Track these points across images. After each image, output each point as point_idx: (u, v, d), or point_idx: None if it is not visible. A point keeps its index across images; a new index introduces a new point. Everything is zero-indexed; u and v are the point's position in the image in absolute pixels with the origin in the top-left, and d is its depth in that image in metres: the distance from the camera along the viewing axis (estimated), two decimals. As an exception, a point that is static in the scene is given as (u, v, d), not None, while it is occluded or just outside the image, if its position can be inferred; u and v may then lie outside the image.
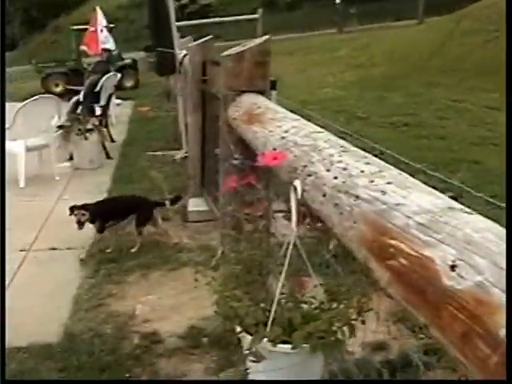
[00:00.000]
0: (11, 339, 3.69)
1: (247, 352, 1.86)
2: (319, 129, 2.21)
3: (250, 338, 1.93)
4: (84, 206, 5.05)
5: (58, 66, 15.81)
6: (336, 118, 9.60)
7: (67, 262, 4.98)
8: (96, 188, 7.10)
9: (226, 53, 3.48)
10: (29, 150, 7.27)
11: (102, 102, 9.58)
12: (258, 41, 3.44)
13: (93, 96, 9.65)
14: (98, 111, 8.78)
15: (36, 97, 7.36)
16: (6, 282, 4.53)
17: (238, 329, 2.06)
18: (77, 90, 11.52)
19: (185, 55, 7.84)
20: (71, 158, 8.17)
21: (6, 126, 7.10)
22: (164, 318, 3.98)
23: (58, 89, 15.47)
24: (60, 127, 7.90)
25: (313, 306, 1.89)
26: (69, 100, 10.43)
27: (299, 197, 1.84)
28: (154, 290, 4.42)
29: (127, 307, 4.14)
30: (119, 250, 5.10)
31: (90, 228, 5.19)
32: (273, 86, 4.43)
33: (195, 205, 5.92)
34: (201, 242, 5.33)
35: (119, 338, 3.73)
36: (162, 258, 4.95)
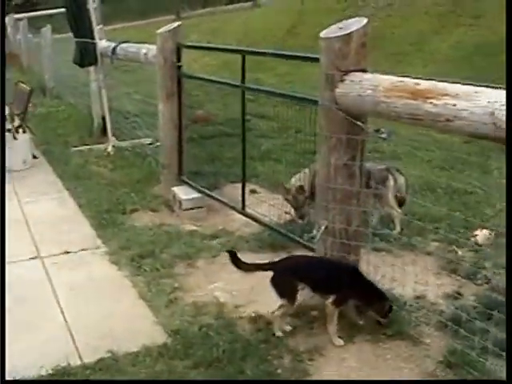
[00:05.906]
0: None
1: None
2: None
3: None
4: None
5: None
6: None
7: (94, 263, 4.73)
8: (50, 187, 6.71)
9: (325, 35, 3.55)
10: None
11: None
12: (360, 23, 3.55)
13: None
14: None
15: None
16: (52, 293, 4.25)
17: None
18: None
19: (119, 43, 7.58)
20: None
21: None
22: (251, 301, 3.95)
23: None
24: (-14, 129, 7.33)
25: None
26: None
27: None
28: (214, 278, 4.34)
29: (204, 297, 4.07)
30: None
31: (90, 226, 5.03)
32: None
33: (185, 193, 5.79)
34: (211, 228, 5.29)
35: (227, 326, 3.67)
36: (194, 247, 4.86)
